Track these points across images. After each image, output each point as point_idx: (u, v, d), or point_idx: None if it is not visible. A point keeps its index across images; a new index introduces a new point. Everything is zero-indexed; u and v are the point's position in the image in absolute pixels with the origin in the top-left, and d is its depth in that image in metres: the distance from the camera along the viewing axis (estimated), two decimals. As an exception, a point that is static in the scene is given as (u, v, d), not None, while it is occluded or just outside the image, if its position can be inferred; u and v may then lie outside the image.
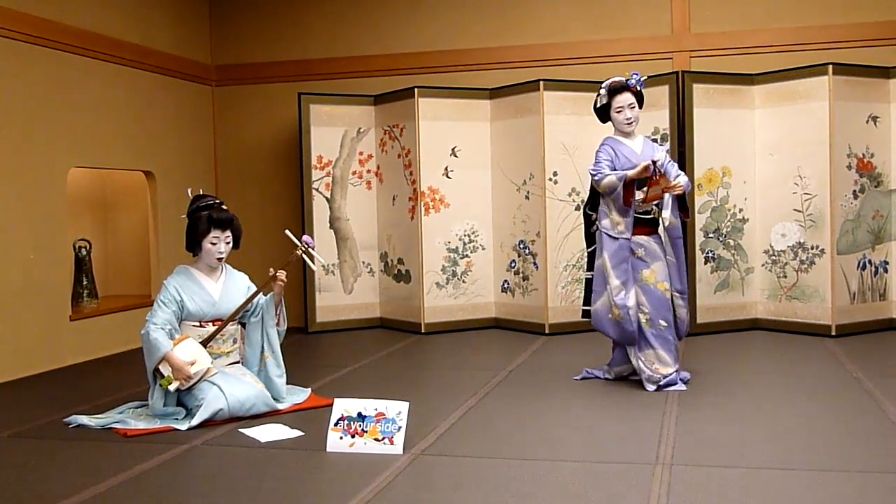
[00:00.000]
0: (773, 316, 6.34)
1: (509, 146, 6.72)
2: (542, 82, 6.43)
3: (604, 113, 4.83)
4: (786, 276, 6.26)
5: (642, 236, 4.71)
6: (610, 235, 4.66)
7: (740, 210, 6.37)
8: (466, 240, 6.85)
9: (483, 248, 6.89)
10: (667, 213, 4.62)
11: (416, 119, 6.68)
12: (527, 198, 6.58)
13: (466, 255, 6.86)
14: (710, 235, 6.31)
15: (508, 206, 6.73)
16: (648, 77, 6.30)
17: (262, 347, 4.51)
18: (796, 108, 6.16)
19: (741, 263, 6.39)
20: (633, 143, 4.80)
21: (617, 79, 4.76)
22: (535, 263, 6.55)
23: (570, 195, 6.50)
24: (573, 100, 6.49)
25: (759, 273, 6.40)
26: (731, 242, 6.36)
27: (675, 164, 4.76)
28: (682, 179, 4.63)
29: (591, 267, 4.85)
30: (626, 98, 4.71)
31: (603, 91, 4.77)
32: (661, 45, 6.82)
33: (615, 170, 4.66)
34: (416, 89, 6.69)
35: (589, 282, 4.86)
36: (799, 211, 6.18)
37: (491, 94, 6.84)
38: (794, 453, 3.45)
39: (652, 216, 4.75)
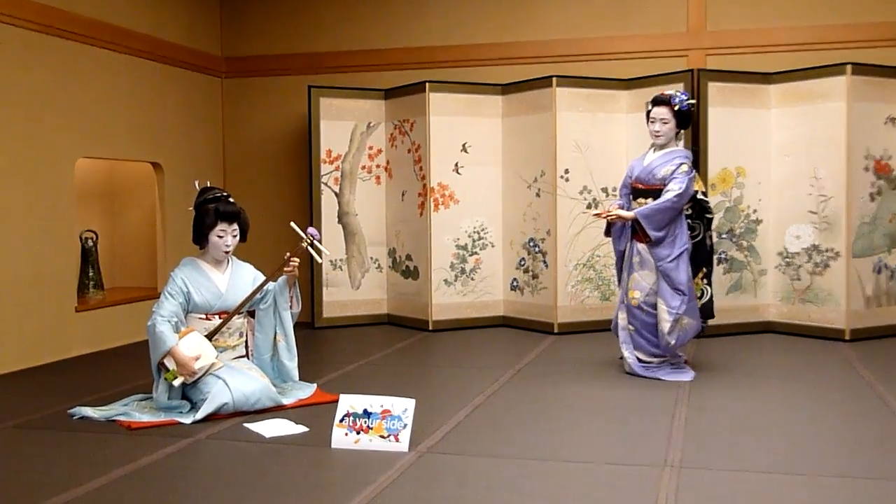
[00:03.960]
0: (787, 319, 6.32)
1: (521, 143, 6.72)
2: (555, 79, 6.42)
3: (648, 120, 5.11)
4: (799, 279, 6.24)
5: (641, 244, 4.96)
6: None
7: (754, 211, 6.36)
8: (476, 237, 6.86)
9: (492, 246, 6.90)
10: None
11: (426, 114, 6.68)
12: (537, 195, 6.57)
13: (475, 253, 6.86)
14: (724, 236, 6.30)
15: (519, 204, 6.74)
16: (664, 74, 6.32)
17: (275, 331, 4.56)
18: (813, 109, 6.14)
19: (754, 265, 6.38)
20: (651, 155, 5.03)
21: (667, 92, 5.04)
22: (544, 262, 6.55)
23: (581, 193, 6.50)
24: (586, 97, 6.49)
25: (772, 275, 6.39)
26: (745, 244, 6.35)
27: (678, 180, 4.85)
28: (651, 203, 4.88)
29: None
30: (660, 112, 4.95)
31: (650, 99, 5.07)
32: (677, 43, 6.81)
33: (626, 185, 5.15)
34: (427, 84, 6.69)
35: None
36: (814, 213, 6.16)
37: (503, 90, 6.84)
38: (805, 458, 3.45)
39: None
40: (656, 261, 4.88)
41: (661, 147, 4.99)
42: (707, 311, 5.11)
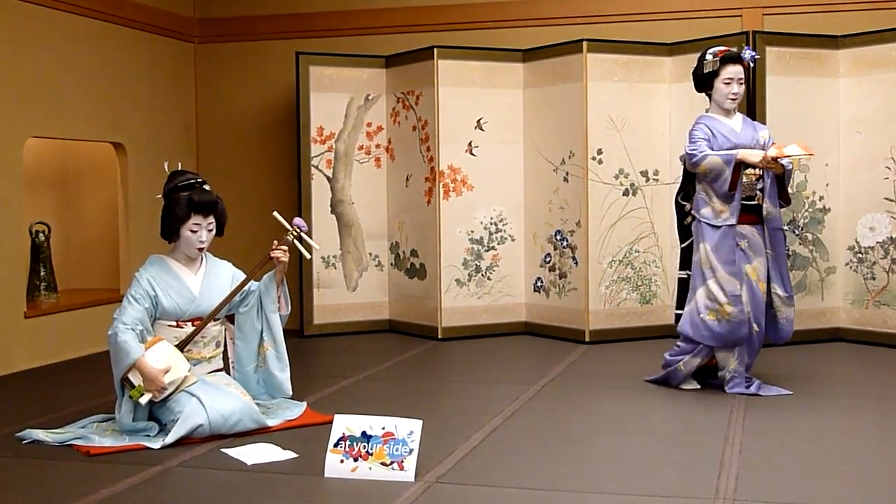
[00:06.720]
0: (859, 325, 6.30)
1: (545, 118, 6.71)
2: (585, 43, 6.41)
3: (706, 81, 5.03)
4: (874, 278, 6.22)
5: (745, 226, 4.96)
6: (712, 225, 4.89)
7: (820, 198, 6.34)
8: (493, 229, 6.86)
9: (512, 240, 6.89)
10: (766, 203, 4.90)
11: (434, 85, 6.68)
12: (565, 180, 6.57)
13: (493, 248, 6.86)
14: (785, 228, 6.27)
15: (543, 190, 6.73)
16: (713, 37, 6.29)
17: (261, 337, 4.58)
18: (889, 78, 6.11)
19: (821, 262, 6.36)
20: (732, 121, 5.05)
21: (728, 48, 5.03)
22: (574, 258, 6.54)
23: (616, 177, 6.49)
24: (623, 64, 6.47)
25: (842, 274, 6.36)
26: (810, 237, 6.33)
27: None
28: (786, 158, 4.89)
29: (686, 265, 5.10)
30: (739, 71, 4.98)
31: (711, 56, 5.00)
32: (729, 0, 6.78)
33: (713, 150, 4.89)
34: (435, 49, 6.68)
35: (683, 282, 5.11)
36: (891, 200, 6.14)
37: (524, 56, 6.83)
38: (879, 490, 3.43)
39: (756, 202, 4.95)
40: (773, 229, 4.94)
41: (731, 111, 5.04)
42: None
